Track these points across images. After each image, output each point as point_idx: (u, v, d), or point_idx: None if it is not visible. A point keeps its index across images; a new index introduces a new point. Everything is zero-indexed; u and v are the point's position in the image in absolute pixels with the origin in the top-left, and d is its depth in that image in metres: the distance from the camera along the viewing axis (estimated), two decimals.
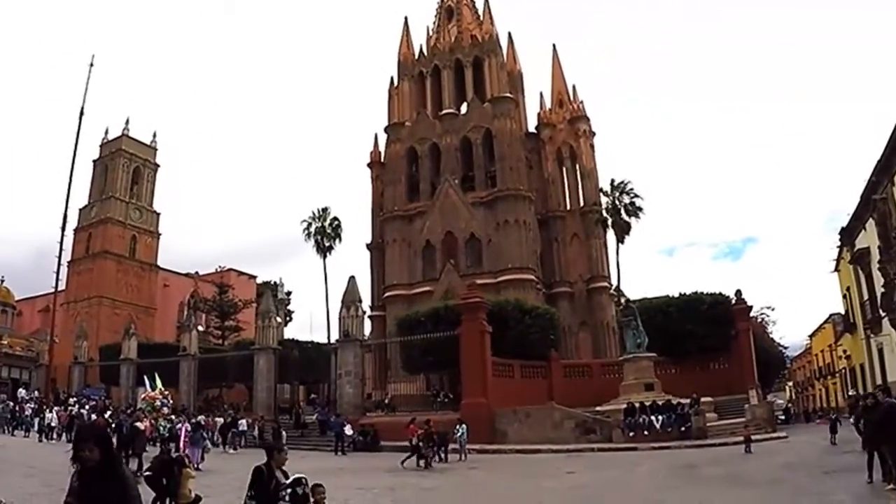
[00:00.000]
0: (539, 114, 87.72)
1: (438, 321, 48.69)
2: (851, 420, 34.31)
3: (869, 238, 48.06)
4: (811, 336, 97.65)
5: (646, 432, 38.39)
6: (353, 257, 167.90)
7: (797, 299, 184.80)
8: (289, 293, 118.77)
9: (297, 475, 9.52)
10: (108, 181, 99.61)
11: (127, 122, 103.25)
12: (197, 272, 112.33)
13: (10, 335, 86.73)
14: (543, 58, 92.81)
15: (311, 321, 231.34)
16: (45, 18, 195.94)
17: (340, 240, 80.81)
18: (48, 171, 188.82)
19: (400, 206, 78.72)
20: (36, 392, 67.36)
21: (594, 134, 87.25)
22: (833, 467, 24.26)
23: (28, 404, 57.12)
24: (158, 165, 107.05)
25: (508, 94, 79.78)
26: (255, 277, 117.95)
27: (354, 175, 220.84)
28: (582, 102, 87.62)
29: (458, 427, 35.29)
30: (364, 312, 56.31)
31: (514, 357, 48.33)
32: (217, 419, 48.03)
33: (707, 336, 49.86)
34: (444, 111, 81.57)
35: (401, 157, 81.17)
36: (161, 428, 31.82)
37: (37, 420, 50.92)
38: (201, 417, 43.30)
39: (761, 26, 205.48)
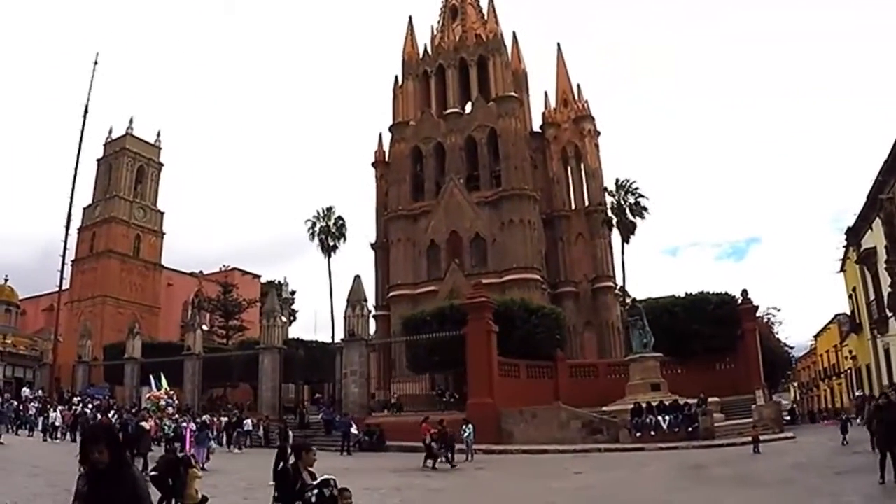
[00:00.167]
0: (544, 113, 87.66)
1: (444, 321, 48.56)
2: (858, 420, 34.23)
3: (875, 238, 47.78)
4: (816, 336, 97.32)
5: (653, 433, 38.20)
6: (357, 257, 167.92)
7: (801, 300, 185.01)
8: (293, 292, 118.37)
9: (325, 476, 9.22)
10: (113, 180, 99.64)
11: (131, 120, 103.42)
12: (201, 271, 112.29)
13: (13, 334, 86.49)
14: (548, 57, 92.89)
15: (316, 321, 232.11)
16: (47, 18, 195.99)
17: (345, 239, 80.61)
18: (52, 170, 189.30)
19: (404, 205, 78.53)
20: (40, 391, 67.25)
21: (599, 133, 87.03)
22: (844, 468, 24.14)
23: (32, 403, 57.00)
24: (162, 164, 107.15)
25: (513, 94, 79.54)
26: (259, 277, 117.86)
27: (359, 174, 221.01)
28: (587, 102, 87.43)
29: (464, 427, 35.10)
30: (369, 312, 56.23)
31: (519, 357, 48.19)
32: (222, 419, 47.97)
33: (713, 336, 49.71)
34: (449, 110, 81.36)
35: (405, 157, 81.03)
36: (166, 428, 31.66)
37: (41, 419, 50.80)
38: (206, 417, 43.26)
39: (764, 24, 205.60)
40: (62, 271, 78.27)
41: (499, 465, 32.90)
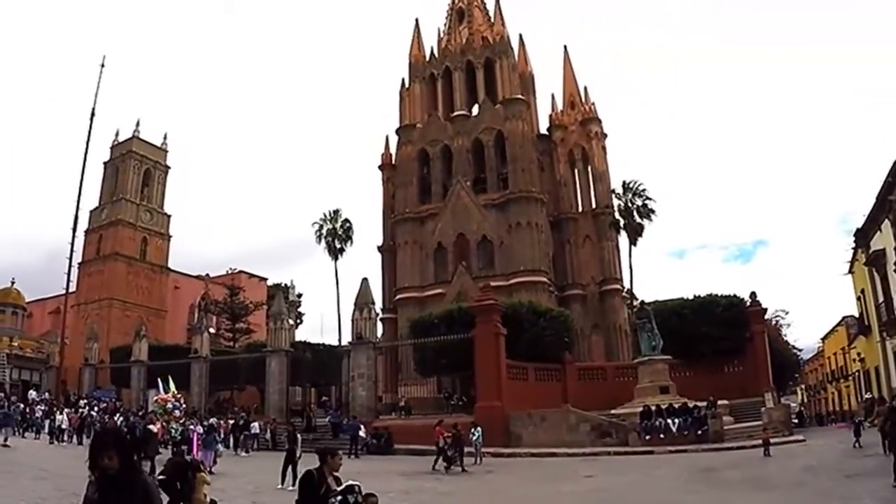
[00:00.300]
0: (551, 115, 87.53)
1: (452, 323, 48.47)
2: (867, 423, 33.97)
3: (885, 240, 47.62)
4: (823, 339, 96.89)
5: (662, 436, 38.03)
6: (364, 260, 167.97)
7: (808, 302, 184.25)
8: (300, 295, 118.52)
9: (350, 482, 8.91)
10: (119, 183, 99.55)
11: (137, 123, 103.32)
12: (207, 274, 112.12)
13: (20, 337, 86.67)
14: (555, 59, 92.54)
15: (322, 324, 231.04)
16: (52, 21, 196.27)
17: (352, 242, 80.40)
18: (58, 173, 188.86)
19: (411, 208, 78.43)
20: (46, 394, 67.19)
21: (606, 136, 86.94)
22: (856, 471, 23.98)
23: (38, 406, 56.94)
24: (169, 167, 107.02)
25: (520, 96, 79.52)
26: (265, 279, 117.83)
27: (365, 177, 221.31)
28: (594, 104, 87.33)
29: (473, 430, 34.93)
30: (377, 315, 56.11)
31: (527, 360, 48.00)
32: (229, 421, 47.85)
33: (721, 339, 49.46)
34: (456, 113, 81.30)
35: (412, 159, 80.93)
36: (172, 431, 31.52)
37: (47, 422, 50.74)
38: (213, 420, 43.13)
39: (769, 25, 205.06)
40: (69, 274, 78.35)
41: (508, 468, 32.76)
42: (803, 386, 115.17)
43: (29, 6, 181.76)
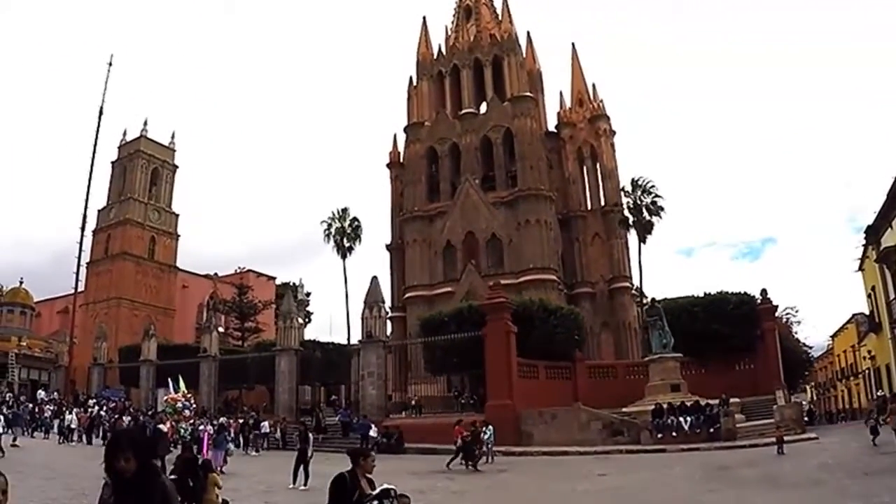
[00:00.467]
0: (559, 113, 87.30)
1: (462, 322, 48.30)
2: (881, 420, 33.69)
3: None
4: (833, 336, 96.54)
5: (674, 434, 37.84)
6: (372, 258, 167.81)
7: (817, 300, 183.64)
8: (308, 294, 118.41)
9: (385, 486, 8.56)
10: (127, 182, 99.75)
11: (145, 123, 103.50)
12: (216, 273, 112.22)
13: (28, 337, 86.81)
14: (563, 57, 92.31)
15: (331, 322, 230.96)
16: (58, 22, 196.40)
17: (360, 240, 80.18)
18: (66, 173, 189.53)
19: (420, 206, 78.26)
20: (55, 393, 67.27)
21: (615, 133, 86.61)
22: (873, 469, 23.80)
23: (47, 406, 56.97)
24: (177, 166, 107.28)
25: (528, 94, 79.19)
26: (274, 279, 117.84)
27: (373, 176, 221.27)
28: (602, 101, 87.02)
29: (484, 429, 34.77)
30: (387, 313, 55.98)
31: (538, 358, 47.78)
32: (238, 420, 47.76)
33: (732, 336, 49.20)
34: (464, 111, 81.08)
35: (420, 158, 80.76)
36: (182, 430, 31.46)
37: (56, 422, 50.77)
38: (223, 419, 43.06)
39: (777, 23, 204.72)
40: (77, 273, 78.70)
41: (520, 466, 32.54)
42: (812, 384, 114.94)
43: (34, 6, 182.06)
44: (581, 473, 27.98)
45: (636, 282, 75.25)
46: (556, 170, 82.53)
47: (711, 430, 37.91)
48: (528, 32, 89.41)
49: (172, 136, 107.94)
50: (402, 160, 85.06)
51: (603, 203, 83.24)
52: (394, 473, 29.53)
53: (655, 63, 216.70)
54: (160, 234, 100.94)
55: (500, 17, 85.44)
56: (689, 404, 39.61)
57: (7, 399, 56.06)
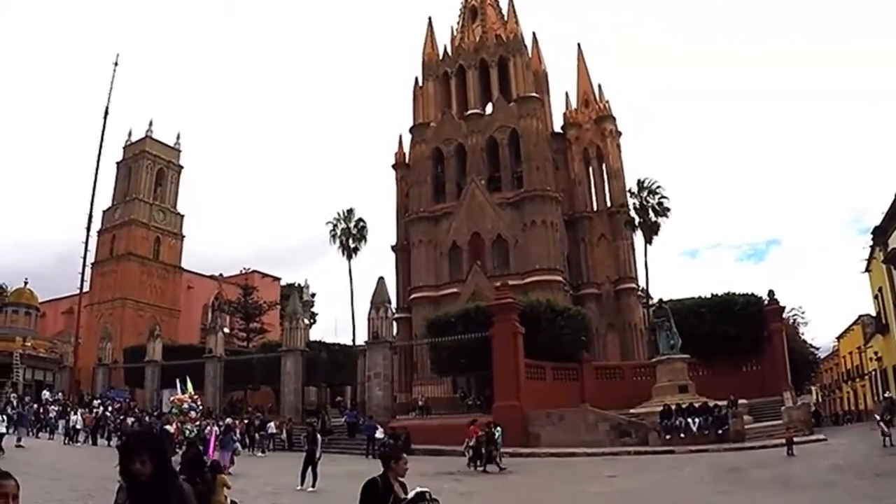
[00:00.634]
0: (565, 113, 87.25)
1: (469, 322, 48.04)
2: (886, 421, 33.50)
3: None
4: (839, 338, 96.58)
5: (682, 435, 37.62)
6: (377, 259, 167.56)
7: (822, 301, 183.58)
8: (313, 295, 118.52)
9: (419, 489, 8.24)
10: (132, 183, 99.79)
11: (150, 123, 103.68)
12: (221, 274, 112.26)
13: (33, 337, 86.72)
14: (568, 57, 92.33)
15: (337, 323, 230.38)
16: (62, 22, 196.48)
17: (366, 241, 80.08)
18: (70, 174, 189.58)
19: (426, 207, 78.00)
20: (60, 394, 67.20)
21: (620, 134, 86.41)
22: (883, 470, 23.81)
23: (52, 406, 56.88)
24: (182, 167, 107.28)
25: (534, 94, 78.94)
26: (278, 279, 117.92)
27: (379, 177, 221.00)
28: (608, 102, 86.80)
29: (493, 430, 34.63)
30: (393, 314, 55.84)
31: (544, 358, 47.62)
32: (244, 421, 47.63)
33: (739, 337, 48.98)
34: (470, 111, 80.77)
35: (426, 158, 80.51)
36: (187, 432, 31.36)
37: (61, 422, 50.70)
38: (229, 420, 42.95)
39: (780, 23, 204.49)
40: (83, 273, 78.58)
41: (528, 468, 32.36)
42: (817, 385, 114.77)
43: (37, 6, 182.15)
44: (590, 475, 27.83)
45: (642, 283, 75.14)
46: (561, 171, 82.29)
47: (720, 431, 37.69)
48: (534, 33, 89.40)
49: (178, 137, 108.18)
50: (407, 161, 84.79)
51: (609, 204, 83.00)
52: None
53: (659, 63, 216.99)
54: (165, 234, 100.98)
55: (505, 18, 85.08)
56: (697, 405, 39.42)
57: (12, 399, 56.00)
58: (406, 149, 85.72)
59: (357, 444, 43.60)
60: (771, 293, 52.12)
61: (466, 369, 51.64)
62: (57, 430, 50.16)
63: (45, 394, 65.25)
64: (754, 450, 34.08)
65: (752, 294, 53.25)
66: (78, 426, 47.52)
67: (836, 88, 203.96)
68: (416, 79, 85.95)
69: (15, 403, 53.69)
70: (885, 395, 54.71)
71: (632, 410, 43.16)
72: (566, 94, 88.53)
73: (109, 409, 55.55)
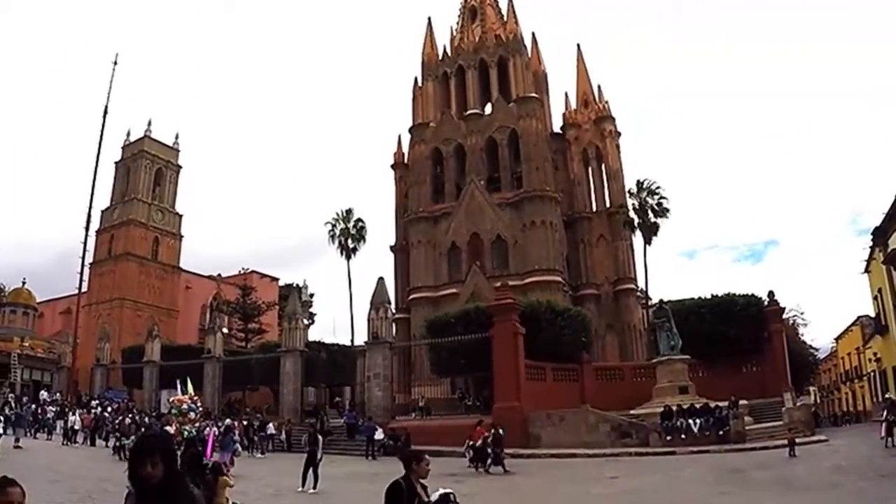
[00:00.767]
0: (564, 114, 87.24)
1: (469, 323, 47.87)
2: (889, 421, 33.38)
3: None
4: (837, 339, 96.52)
5: (683, 436, 37.51)
6: (376, 260, 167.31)
7: (820, 302, 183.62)
8: (311, 295, 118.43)
9: (443, 491, 8.12)
10: (131, 183, 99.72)
11: (149, 123, 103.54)
12: (219, 274, 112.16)
13: (31, 337, 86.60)
14: (568, 57, 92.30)
15: (335, 324, 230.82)
16: (56, 22, 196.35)
17: (365, 241, 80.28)
18: (67, 173, 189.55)
19: (425, 207, 77.88)
20: (58, 395, 67.16)
21: (620, 134, 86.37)
22: (887, 471, 23.80)
23: (50, 407, 56.76)
24: (181, 167, 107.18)
25: (534, 94, 78.91)
26: (277, 280, 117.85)
27: (378, 177, 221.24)
28: (607, 102, 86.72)
29: (500, 431, 34.54)
30: (393, 314, 55.72)
31: (544, 359, 47.45)
32: (243, 422, 47.48)
33: (739, 338, 48.87)
34: (469, 111, 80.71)
35: (425, 158, 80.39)
36: (185, 433, 31.21)
37: (59, 423, 50.61)
38: (228, 421, 42.81)
39: (777, 23, 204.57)
40: (81, 273, 78.58)
41: (529, 469, 32.23)
42: (815, 387, 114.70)
43: (37, 5, 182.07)
44: (592, 476, 27.77)
45: (641, 284, 75.23)
46: (561, 171, 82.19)
47: (721, 432, 37.58)
48: (534, 33, 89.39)
49: (176, 137, 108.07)
50: (406, 161, 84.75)
51: (608, 204, 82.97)
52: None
53: (658, 63, 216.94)
54: (164, 234, 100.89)
55: (505, 18, 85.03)
56: (698, 406, 39.33)
57: (9, 400, 55.88)
58: (405, 149, 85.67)
59: (356, 446, 43.53)
60: (771, 294, 52.06)
61: (466, 370, 51.49)
62: (55, 430, 50.03)
63: (43, 394, 65.20)
64: (756, 451, 34.01)
65: (753, 295, 53.13)
66: (76, 427, 47.43)
67: (833, 89, 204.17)
68: (416, 79, 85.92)
69: (13, 404, 53.56)
70: (886, 396, 54.67)
71: (632, 411, 43.05)
72: (566, 94, 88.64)
73: (108, 409, 55.44)
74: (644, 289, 72.79)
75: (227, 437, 31.49)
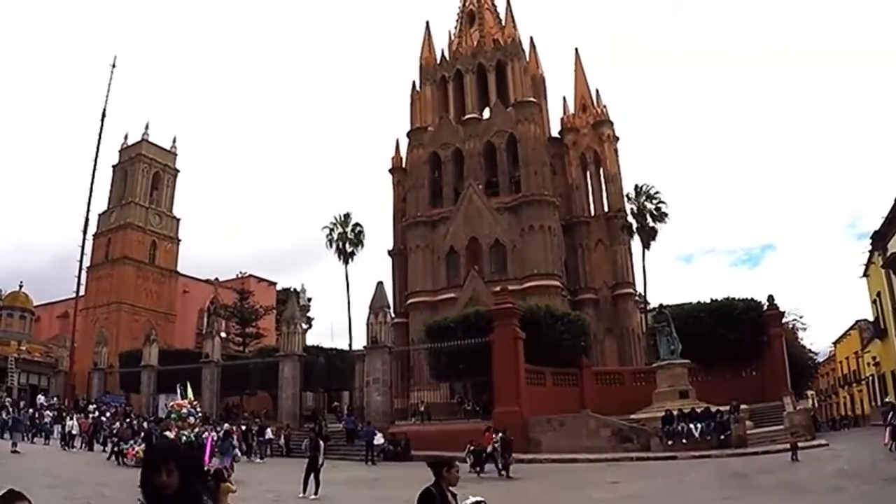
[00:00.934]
0: (562, 118, 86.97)
1: (469, 327, 47.72)
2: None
3: None
4: (835, 343, 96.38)
5: (684, 441, 37.51)
6: (374, 264, 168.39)
7: (817, 306, 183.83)
8: (309, 300, 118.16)
9: (475, 499, 7.99)
10: (128, 186, 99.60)
11: (147, 126, 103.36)
12: (217, 278, 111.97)
13: (28, 341, 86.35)
14: (566, 61, 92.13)
15: (332, 328, 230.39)
16: (54, 25, 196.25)
17: (362, 246, 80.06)
18: (64, 177, 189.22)
19: (423, 211, 77.73)
20: (55, 399, 66.95)
21: (618, 138, 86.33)
22: (890, 475, 23.77)
23: (47, 411, 56.60)
24: (178, 171, 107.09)
25: (532, 99, 78.81)
26: (274, 284, 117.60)
27: (375, 181, 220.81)
28: (605, 106, 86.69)
29: (496, 436, 34.43)
30: (392, 319, 55.58)
31: (543, 364, 47.24)
32: (241, 427, 47.32)
33: (739, 342, 48.96)
34: (467, 116, 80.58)
35: (423, 163, 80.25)
36: (183, 437, 31.05)
37: (57, 427, 50.45)
38: (226, 425, 42.68)
39: (772, 25, 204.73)
40: (79, 277, 78.52)
41: (531, 474, 32.09)
42: (813, 391, 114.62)
43: (35, 7, 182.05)
44: (593, 481, 27.68)
45: (639, 288, 75.12)
46: (559, 175, 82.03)
47: (722, 436, 37.61)
48: (532, 37, 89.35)
49: (174, 141, 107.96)
50: (404, 165, 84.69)
51: (606, 209, 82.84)
52: (406, 481, 29.05)
53: (656, 65, 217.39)
54: (161, 238, 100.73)
55: (503, 22, 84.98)
56: (699, 411, 39.28)
57: (6, 404, 55.73)
58: (403, 153, 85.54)
59: (356, 451, 43.39)
60: (770, 298, 52.13)
61: (465, 374, 51.50)
62: (52, 435, 49.89)
63: (40, 398, 65.00)
64: (757, 455, 34.01)
65: (752, 299, 53.21)
66: (74, 431, 47.30)
67: (830, 91, 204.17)
68: (414, 83, 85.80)
69: (10, 408, 53.42)
70: (886, 400, 54.58)
71: (632, 416, 43.02)
72: (564, 98, 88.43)
73: (106, 414, 55.28)
74: (642, 293, 72.62)
75: (226, 442, 31.32)
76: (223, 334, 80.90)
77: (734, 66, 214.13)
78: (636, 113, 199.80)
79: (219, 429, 39.40)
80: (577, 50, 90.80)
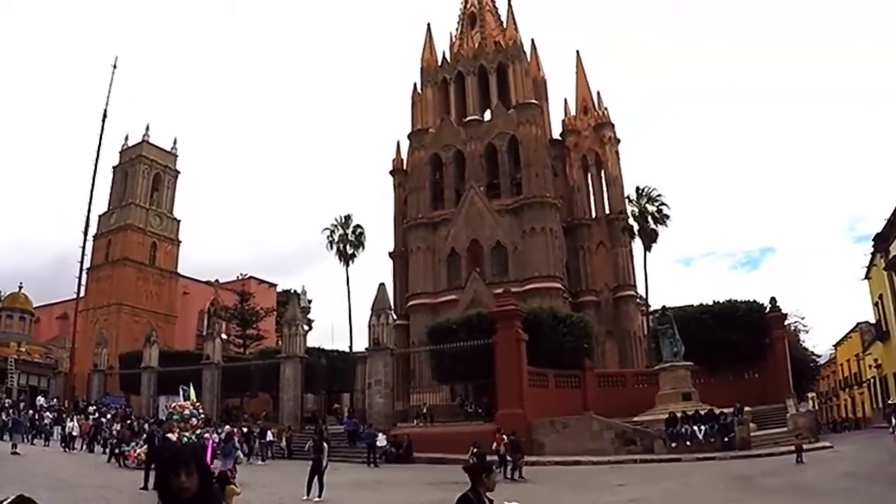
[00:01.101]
0: (564, 120, 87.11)
1: (471, 329, 47.57)
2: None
3: None
4: (836, 345, 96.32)
5: (688, 443, 37.43)
6: (374, 266, 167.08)
7: (817, 309, 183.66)
8: (310, 301, 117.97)
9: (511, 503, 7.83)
10: (129, 188, 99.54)
11: (147, 128, 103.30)
12: (217, 280, 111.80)
13: (28, 342, 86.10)
14: (567, 64, 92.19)
15: (333, 330, 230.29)
16: (55, 25, 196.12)
17: (363, 248, 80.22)
18: (64, 178, 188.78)
19: (424, 213, 77.73)
20: (55, 400, 66.77)
21: (619, 141, 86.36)
22: None
23: (47, 412, 56.43)
24: (179, 172, 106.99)
25: (533, 101, 78.89)
26: (275, 286, 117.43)
27: (376, 183, 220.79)
28: (606, 109, 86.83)
29: (518, 438, 34.29)
30: (394, 320, 55.43)
31: (546, 365, 47.06)
32: (242, 429, 47.13)
33: (741, 344, 48.98)
34: (469, 118, 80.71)
35: (424, 165, 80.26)
36: (185, 439, 30.89)
37: (57, 429, 50.29)
38: (228, 427, 42.50)
39: (772, 27, 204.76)
40: (80, 278, 78.16)
41: (535, 476, 31.79)
42: (814, 393, 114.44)
43: (35, 8, 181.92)
44: (599, 484, 27.55)
45: (641, 291, 75.01)
46: (560, 177, 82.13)
47: (726, 439, 37.53)
48: (533, 40, 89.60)
49: (174, 142, 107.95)
50: (405, 167, 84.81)
51: (608, 211, 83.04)
52: (409, 483, 29.16)
53: (656, 66, 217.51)
54: (161, 239, 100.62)
55: (504, 25, 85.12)
56: (703, 413, 39.19)
57: (6, 405, 55.57)
58: (404, 155, 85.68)
59: (358, 453, 43.16)
60: (773, 300, 52.07)
61: (467, 376, 51.30)
62: (52, 436, 49.72)
63: (40, 400, 64.76)
64: (762, 457, 33.99)
65: (754, 301, 53.23)
66: (74, 433, 47.14)
67: (830, 91, 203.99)
68: (415, 85, 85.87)
69: (10, 409, 53.25)
70: (889, 402, 54.49)
71: (636, 418, 42.91)
72: (565, 100, 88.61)
73: (107, 416, 55.10)
74: (644, 296, 72.53)
75: (228, 444, 31.08)
76: (223, 336, 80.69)
77: (734, 67, 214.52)
78: (637, 115, 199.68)
79: (220, 431, 39.21)
80: (578, 52, 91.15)
